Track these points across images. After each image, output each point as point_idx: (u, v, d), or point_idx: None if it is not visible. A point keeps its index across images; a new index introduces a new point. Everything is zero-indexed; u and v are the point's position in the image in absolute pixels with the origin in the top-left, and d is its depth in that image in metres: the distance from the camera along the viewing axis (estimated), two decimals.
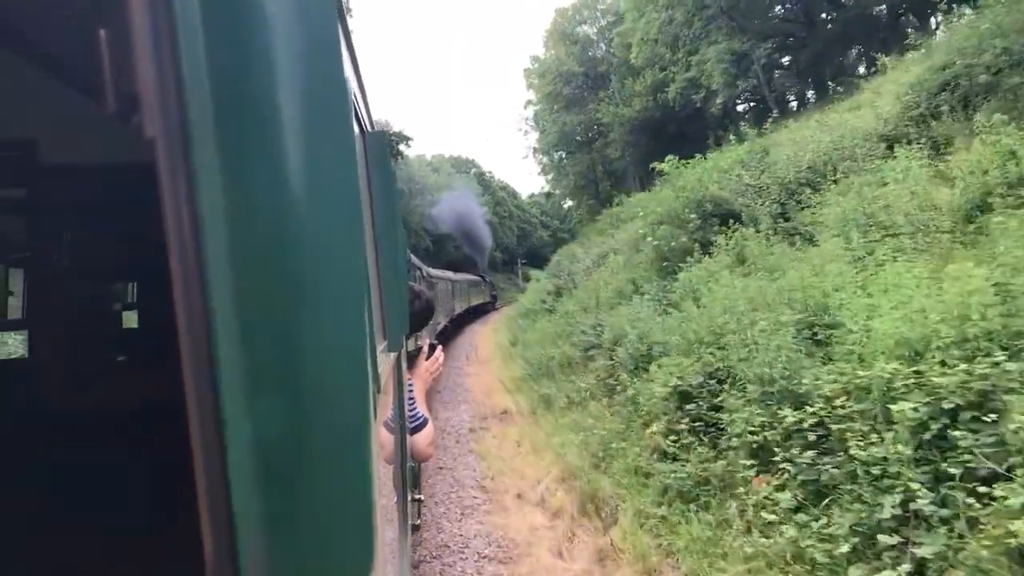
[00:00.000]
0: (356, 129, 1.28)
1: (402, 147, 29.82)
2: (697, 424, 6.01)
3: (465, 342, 27.02)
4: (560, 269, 19.25)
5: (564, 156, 46.84)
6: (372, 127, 1.99)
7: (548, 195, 61.62)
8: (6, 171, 2.94)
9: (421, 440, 2.32)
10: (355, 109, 1.34)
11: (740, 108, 37.72)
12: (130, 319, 4.34)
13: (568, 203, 74.65)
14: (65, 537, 2.42)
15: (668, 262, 11.27)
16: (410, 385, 2.39)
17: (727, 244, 9.85)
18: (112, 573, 2.40)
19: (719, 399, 5.99)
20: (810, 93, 33.94)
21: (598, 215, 47.96)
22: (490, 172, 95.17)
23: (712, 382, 6.24)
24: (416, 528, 2.95)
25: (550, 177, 55.98)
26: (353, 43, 1.46)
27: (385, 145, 1.75)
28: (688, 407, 6.20)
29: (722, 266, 9.55)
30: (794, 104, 34.37)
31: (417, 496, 2.71)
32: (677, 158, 12.41)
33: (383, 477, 1.56)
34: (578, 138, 44.62)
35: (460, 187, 65.94)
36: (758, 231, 9.58)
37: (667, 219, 11.52)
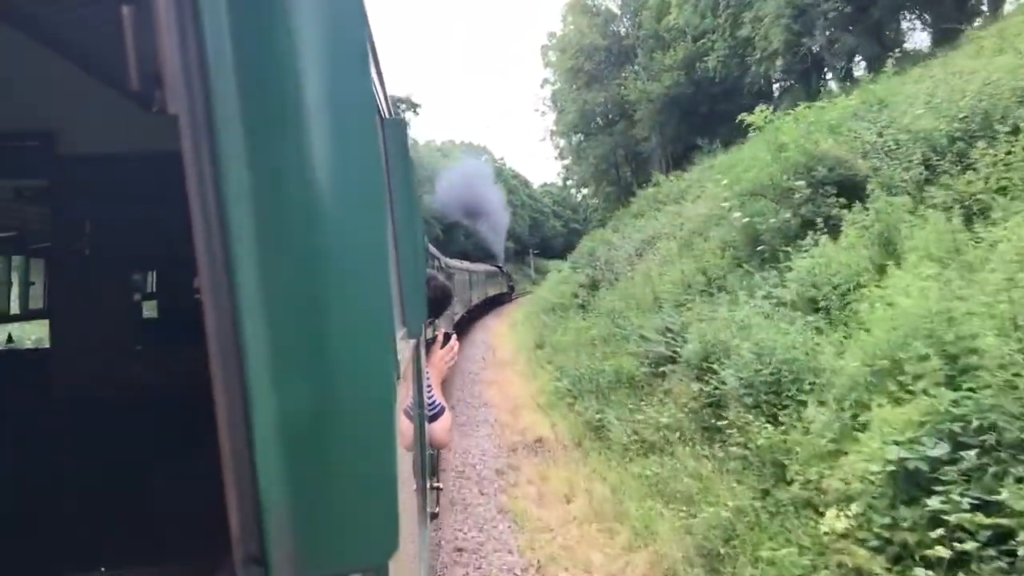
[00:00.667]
0: None
1: (410, 115, 26.99)
2: (952, 536, 3.17)
3: (479, 339, 24.24)
4: (594, 258, 16.34)
5: (583, 139, 43.73)
6: (390, 114, 1.89)
7: (566, 180, 58.13)
8: (26, 162, 2.97)
9: (439, 428, 2.30)
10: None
11: (776, 87, 34.72)
12: (150, 307, 4.54)
13: (584, 191, 71.28)
14: (87, 519, 2.46)
15: (763, 245, 8.38)
16: (426, 374, 2.31)
17: (865, 220, 6.97)
18: (137, 549, 2.38)
19: (999, 493, 3.14)
20: (852, 69, 30.70)
21: (620, 201, 44.98)
22: (502, 159, 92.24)
23: (971, 454, 3.39)
24: (434, 516, 2.86)
25: (567, 162, 52.95)
26: (370, 26, 1.30)
27: (404, 132, 1.62)
28: (928, 503, 3.35)
29: (858, 248, 6.68)
30: (832, 83, 31.21)
31: (435, 484, 2.77)
32: (768, 107, 9.44)
33: (403, 464, 1.48)
34: (599, 120, 41.48)
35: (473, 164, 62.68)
36: (921, 202, 6.67)
37: (759, 189, 8.61)
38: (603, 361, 9.99)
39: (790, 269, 7.25)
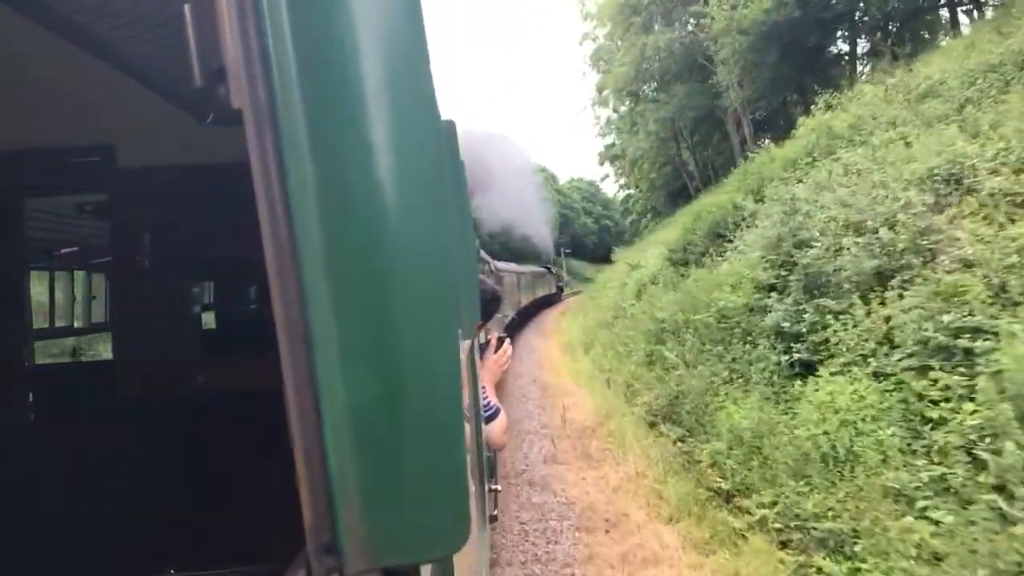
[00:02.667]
0: None
1: None
2: None
3: (525, 373, 15.83)
4: (793, 225, 7.65)
5: (635, 104, 34.98)
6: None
7: (613, 159, 48.81)
8: (87, 176, 2.98)
9: (495, 428, 2.32)
10: None
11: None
12: (209, 318, 4.76)
13: (622, 181, 61.47)
14: (155, 523, 2.58)
15: None
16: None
17: None
18: (205, 552, 2.45)
19: None
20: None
21: (673, 184, 36.20)
22: (527, 149, 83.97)
23: None
24: (493, 519, 2.97)
25: (610, 141, 44.30)
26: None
27: (454, 134, 1.65)
28: None
29: None
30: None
31: (493, 487, 2.77)
32: None
33: None
34: (656, 80, 32.76)
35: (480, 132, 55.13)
36: None
37: None
38: None
39: None
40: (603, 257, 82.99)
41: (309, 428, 0.52)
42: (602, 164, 66.84)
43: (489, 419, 2.29)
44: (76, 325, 5.20)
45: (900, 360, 4.80)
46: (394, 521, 0.55)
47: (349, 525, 0.53)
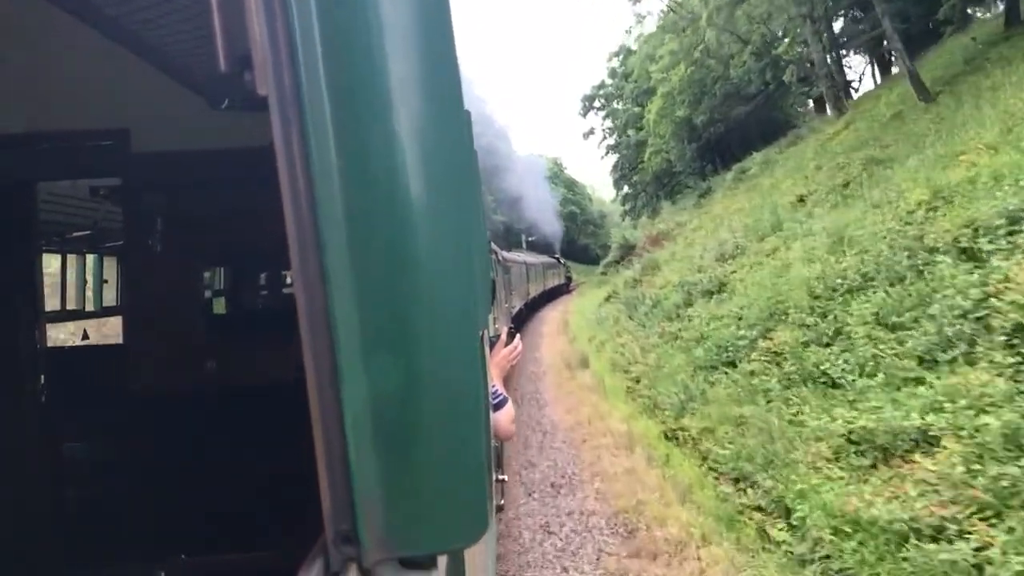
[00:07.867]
0: None
1: None
2: None
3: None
4: None
5: None
6: None
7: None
8: (101, 160, 3.02)
9: (503, 417, 2.34)
10: None
11: None
12: (219, 304, 4.94)
13: (605, 140, 51.56)
14: (166, 508, 2.54)
15: None
16: None
17: None
18: (216, 538, 2.42)
19: None
20: None
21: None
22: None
23: None
24: (500, 509, 2.84)
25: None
26: None
27: (470, 123, 1.50)
28: None
29: None
30: None
31: (500, 476, 2.72)
32: None
33: None
34: None
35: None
36: None
37: None
38: None
39: None
40: (569, 251, 70.90)
41: (330, 418, 0.52)
42: (585, 114, 53.86)
43: (496, 407, 2.32)
44: (87, 309, 5.30)
45: None
46: (413, 512, 0.54)
47: (368, 515, 0.52)
